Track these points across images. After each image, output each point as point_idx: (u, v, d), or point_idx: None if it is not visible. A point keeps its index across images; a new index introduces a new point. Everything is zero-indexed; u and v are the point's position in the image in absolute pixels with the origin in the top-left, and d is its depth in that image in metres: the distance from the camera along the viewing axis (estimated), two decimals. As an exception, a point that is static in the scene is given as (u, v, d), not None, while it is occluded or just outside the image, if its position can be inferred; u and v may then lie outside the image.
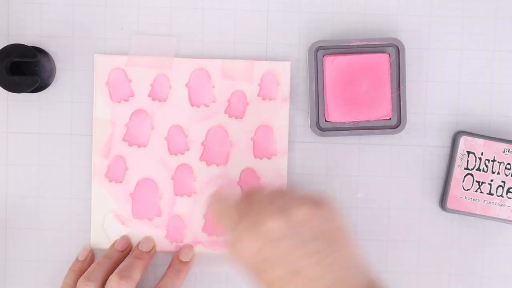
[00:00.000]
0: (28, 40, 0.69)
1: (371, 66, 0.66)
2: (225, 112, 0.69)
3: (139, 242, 0.68)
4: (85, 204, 0.69)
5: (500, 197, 0.67)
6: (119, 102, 0.69)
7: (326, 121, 0.67)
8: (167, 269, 0.67)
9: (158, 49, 0.69)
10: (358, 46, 0.67)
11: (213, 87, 0.69)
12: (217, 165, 0.69)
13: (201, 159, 0.69)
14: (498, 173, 0.67)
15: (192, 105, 0.69)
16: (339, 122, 0.67)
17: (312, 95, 0.67)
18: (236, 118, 0.69)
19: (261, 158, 0.69)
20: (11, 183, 0.69)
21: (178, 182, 0.69)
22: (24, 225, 0.69)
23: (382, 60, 0.66)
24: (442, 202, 0.68)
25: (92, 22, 0.69)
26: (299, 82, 0.69)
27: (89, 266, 0.67)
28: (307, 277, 0.54)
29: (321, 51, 0.67)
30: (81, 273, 0.67)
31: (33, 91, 0.66)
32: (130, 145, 0.69)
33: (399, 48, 0.67)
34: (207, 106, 0.69)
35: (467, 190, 0.67)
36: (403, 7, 0.69)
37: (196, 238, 0.69)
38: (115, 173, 0.69)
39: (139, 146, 0.69)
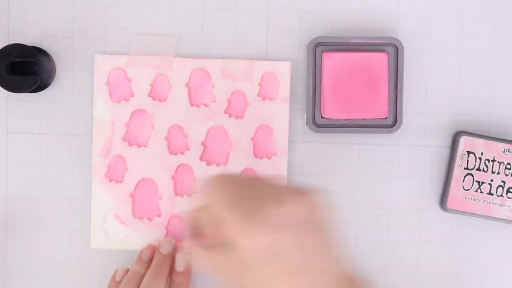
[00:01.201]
0: (28, 40, 0.69)
1: (369, 64, 0.66)
2: (225, 112, 0.69)
3: (159, 246, 0.67)
4: (85, 204, 0.69)
5: (500, 197, 0.67)
6: (119, 102, 0.69)
7: (322, 117, 0.67)
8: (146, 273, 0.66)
9: (158, 49, 0.69)
10: (357, 44, 0.67)
11: (213, 87, 0.69)
12: (217, 165, 0.69)
13: (201, 159, 0.69)
14: (498, 173, 0.67)
15: (192, 105, 0.69)
16: (335, 119, 0.67)
17: (309, 91, 0.67)
18: (236, 118, 0.69)
19: (261, 158, 0.69)
20: (11, 183, 0.69)
21: (178, 182, 0.69)
22: (24, 225, 0.69)
23: (381, 59, 0.66)
24: (442, 202, 0.68)
25: (92, 22, 0.69)
26: (299, 82, 0.69)
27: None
28: (308, 272, 0.54)
29: (320, 47, 0.67)
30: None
31: (33, 91, 0.66)
32: (130, 145, 0.69)
33: (398, 47, 0.67)
34: (207, 106, 0.69)
35: (467, 190, 0.67)
36: (403, 6, 0.68)
37: (196, 238, 0.69)
38: (115, 173, 0.69)
39: (139, 146, 0.69)
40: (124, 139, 0.69)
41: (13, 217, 0.69)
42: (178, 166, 0.69)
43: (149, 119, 0.69)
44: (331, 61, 0.66)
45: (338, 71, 0.66)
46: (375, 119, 0.67)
